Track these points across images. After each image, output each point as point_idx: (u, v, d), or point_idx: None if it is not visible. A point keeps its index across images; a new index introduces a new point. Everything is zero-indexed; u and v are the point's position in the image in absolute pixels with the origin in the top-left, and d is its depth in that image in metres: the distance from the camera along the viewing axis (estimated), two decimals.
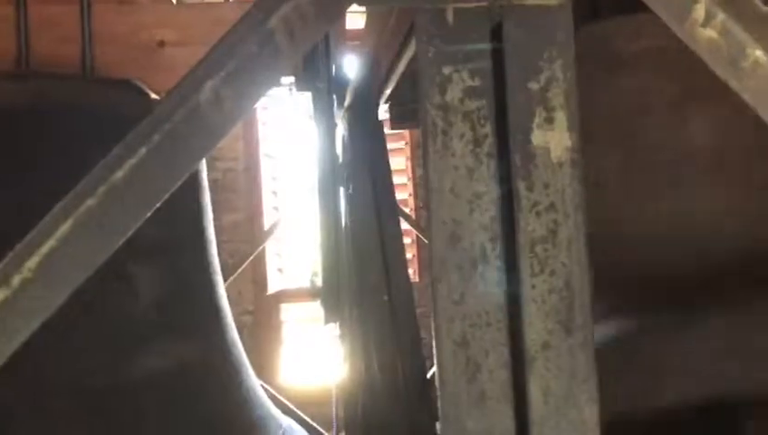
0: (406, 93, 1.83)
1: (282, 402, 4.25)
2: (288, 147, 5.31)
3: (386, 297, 2.04)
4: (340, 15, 0.77)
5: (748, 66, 0.66)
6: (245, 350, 3.22)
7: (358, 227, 2.40)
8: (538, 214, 0.72)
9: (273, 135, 5.22)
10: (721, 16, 0.65)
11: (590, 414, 0.72)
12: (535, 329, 0.72)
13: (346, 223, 2.60)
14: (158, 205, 0.75)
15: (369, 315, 2.17)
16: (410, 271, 4.59)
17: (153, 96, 2.71)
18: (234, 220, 4.95)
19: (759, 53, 0.65)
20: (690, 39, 0.67)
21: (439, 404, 0.73)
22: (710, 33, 0.66)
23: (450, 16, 0.72)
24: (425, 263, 4.84)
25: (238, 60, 0.75)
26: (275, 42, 0.75)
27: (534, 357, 0.72)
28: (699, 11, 0.66)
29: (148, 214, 0.74)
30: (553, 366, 0.73)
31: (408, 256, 4.87)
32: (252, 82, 0.76)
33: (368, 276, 2.19)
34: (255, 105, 4.54)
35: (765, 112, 0.66)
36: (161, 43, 2.78)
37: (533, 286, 0.72)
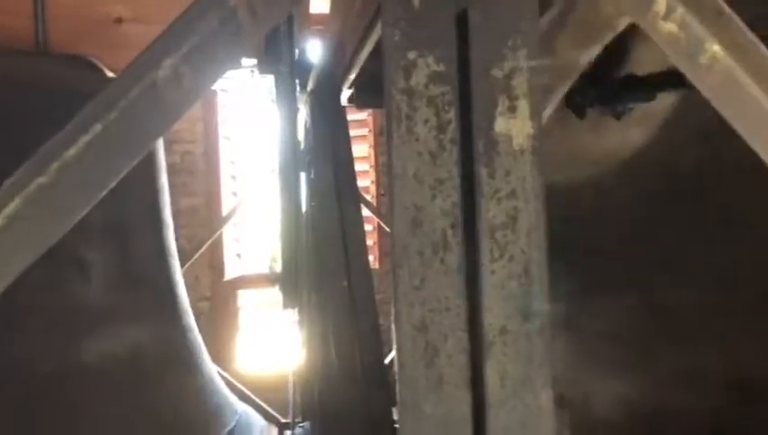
0: (370, 77, 1.82)
1: (238, 388, 4.22)
2: (248, 131, 5.24)
3: (345, 283, 2.04)
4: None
5: (706, 61, 0.67)
6: (202, 336, 3.19)
7: (318, 213, 2.38)
8: (499, 200, 0.73)
9: (234, 118, 5.14)
10: (681, 10, 0.67)
11: (545, 398, 0.74)
12: (494, 314, 0.73)
13: (306, 208, 2.58)
14: (112, 185, 0.72)
15: (328, 301, 2.16)
16: (371, 258, 4.60)
17: (109, 73, 2.63)
18: (191, 204, 4.86)
19: (716, 48, 0.67)
20: (652, 31, 0.68)
21: (397, 389, 0.73)
22: (670, 26, 0.67)
23: (416, 0, 0.71)
24: (385, 250, 4.86)
25: (198, 36, 0.73)
26: (237, 19, 0.73)
27: (492, 342, 0.73)
28: (661, 4, 0.67)
29: (102, 194, 0.72)
30: (511, 351, 0.74)
31: (369, 242, 4.87)
32: (212, 59, 0.74)
33: (327, 262, 2.18)
34: (216, 86, 4.45)
35: (721, 107, 0.68)
36: (118, 20, 2.70)
37: (493, 272, 0.73)
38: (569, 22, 0.94)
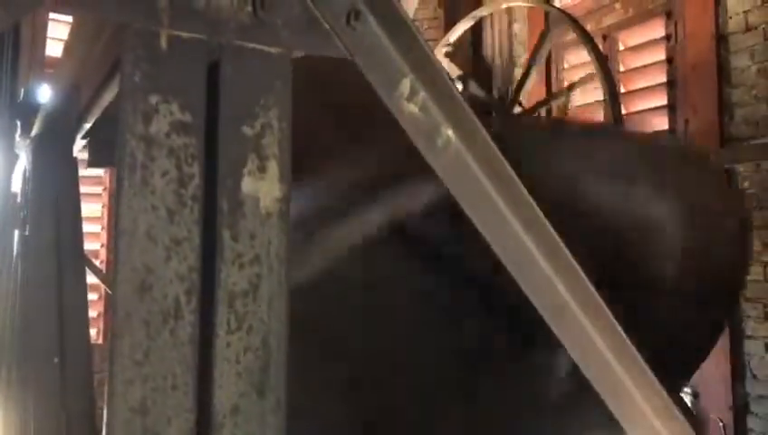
0: (109, 129, 1.65)
1: None
2: None
3: (56, 359, 1.76)
4: (24, 13, 0.64)
5: (441, 143, 0.73)
6: None
7: (31, 276, 2.05)
8: (241, 266, 0.68)
9: None
10: (422, 94, 0.71)
11: None
12: (226, 392, 0.66)
13: (16, 270, 2.21)
14: None
15: (32, 380, 1.84)
16: (93, 331, 4.10)
17: None
18: None
19: (450, 132, 0.73)
20: (396, 111, 0.71)
21: None
22: (413, 107, 0.71)
23: (164, 42, 0.66)
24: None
25: None
26: None
27: (222, 423, 0.66)
28: (405, 85, 0.71)
29: None
30: (242, 433, 0.67)
31: (93, 313, 4.36)
32: None
33: (36, 334, 1.86)
34: None
35: (453, 188, 0.73)
36: None
37: (228, 344, 0.66)
38: None
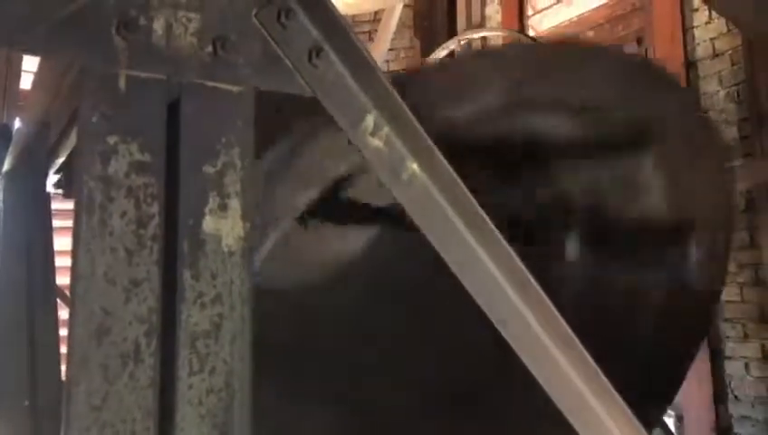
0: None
1: None
2: None
3: (27, 402, 1.71)
4: None
5: (407, 177, 0.73)
6: None
7: (1, 314, 2.01)
8: (203, 306, 0.67)
9: None
10: (386, 129, 0.71)
11: None
12: None
13: None
14: None
15: (2, 423, 1.78)
16: None
17: None
18: None
19: (415, 166, 0.73)
20: (361, 145, 0.71)
21: None
22: (377, 142, 0.71)
23: (122, 83, 0.65)
24: None
25: None
26: None
27: None
28: (369, 120, 0.71)
29: None
30: None
31: None
32: None
33: (6, 376, 1.82)
34: None
35: (419, 220, 0.73)
36: None
37: (191, 386, 0.65)
38: (292, 166, 0.96)
